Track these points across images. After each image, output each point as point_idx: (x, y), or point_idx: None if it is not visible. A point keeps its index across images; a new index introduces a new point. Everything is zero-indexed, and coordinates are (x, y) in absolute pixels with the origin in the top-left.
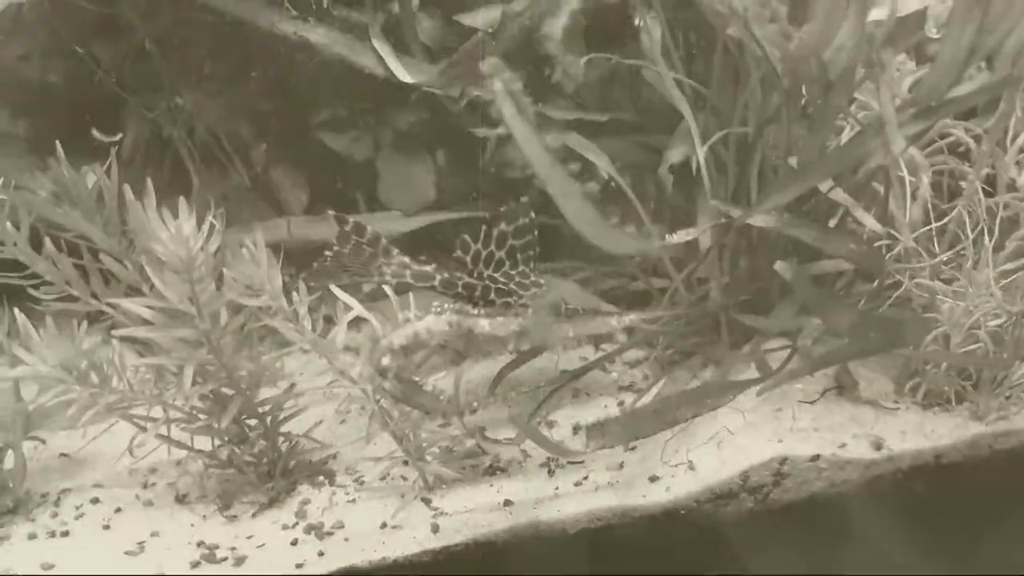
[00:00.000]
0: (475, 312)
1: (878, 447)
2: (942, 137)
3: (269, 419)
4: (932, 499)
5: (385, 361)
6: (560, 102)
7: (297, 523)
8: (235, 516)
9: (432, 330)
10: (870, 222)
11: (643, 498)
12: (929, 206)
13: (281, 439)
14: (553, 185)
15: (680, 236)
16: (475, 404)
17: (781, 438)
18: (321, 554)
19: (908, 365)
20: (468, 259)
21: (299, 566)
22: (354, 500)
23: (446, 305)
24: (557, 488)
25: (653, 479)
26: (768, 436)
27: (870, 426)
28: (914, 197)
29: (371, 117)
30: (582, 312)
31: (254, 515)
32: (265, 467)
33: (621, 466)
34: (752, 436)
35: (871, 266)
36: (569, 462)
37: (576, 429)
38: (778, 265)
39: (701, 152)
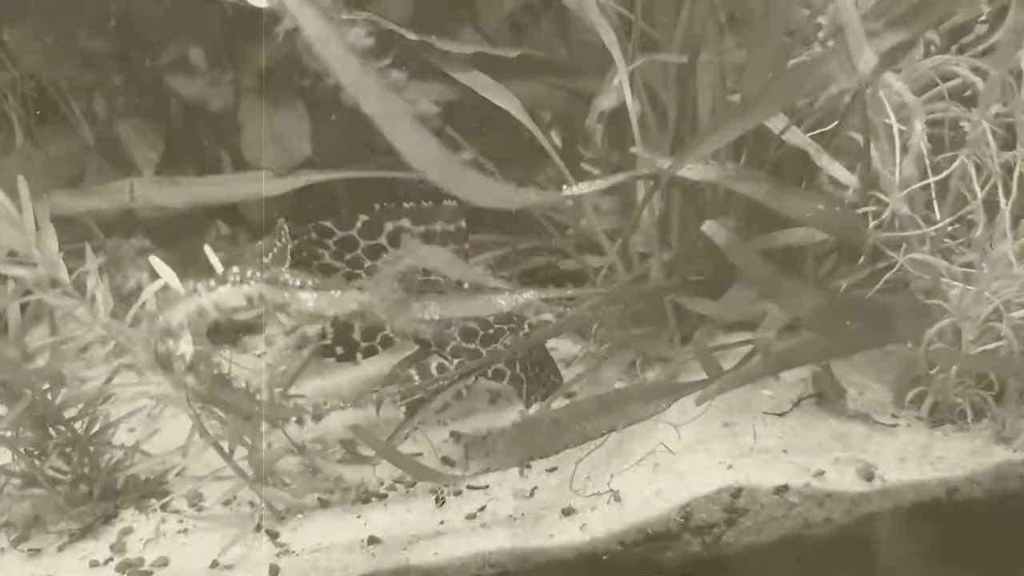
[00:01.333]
0: (295, 282)
1: (869, 477)
2: (944, 80)
3: (83, 425)
4: (941, 548)
5: (182, 349)
6: (465, 35)
7: (111, 559)
8: (38, 550)
9: (223, 305)
10: (840, 172)
11: (550, 538)
12: (926, 162)
13: (105, 452)
14: (369, 101)
15: (580, 188)
16: (310, 409)
17: (734, 462)
18: None
19: (909, 369)
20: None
21: None
22: (186, 530)
23: (249, 271)
24: (442, 522)
25: (567, 512)
26: (719, 458)
27: (859, 448)
28: (905, 150)
29: (227, 55)
30: (461, 288)
31: (61, 548)
32: (83, 486)
33: (532, 493)
34: (698, 457)
35: (846, 233)
36: (469, 487)
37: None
38: (706, 225)
39: (626, 81)
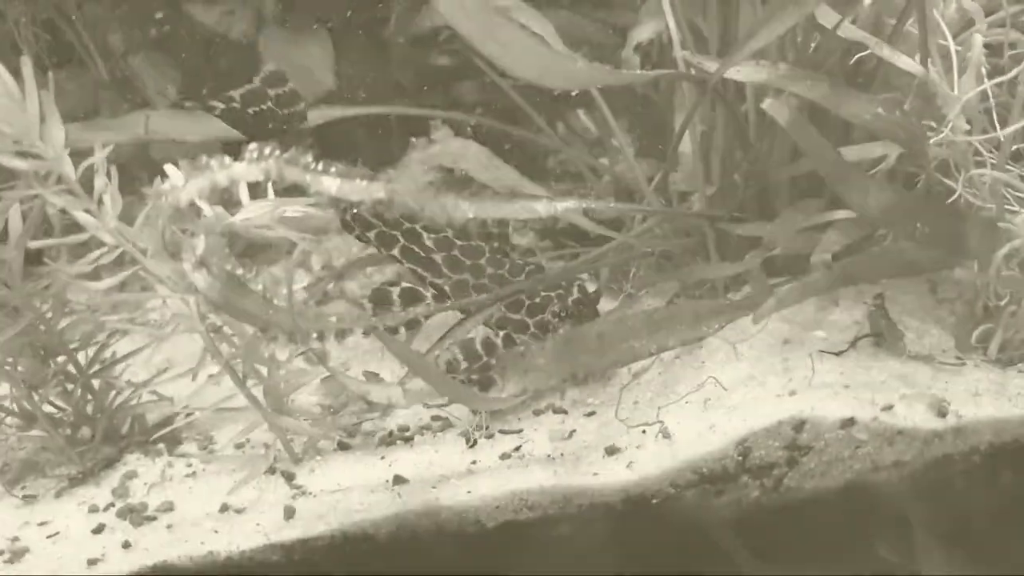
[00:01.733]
0: (316, 166)
1: (942, 413)
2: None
3: (86, 357)
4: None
5: (194, 242)
6: None
7: (112, 504)
8: (34, 496)
9: (238, 178)
10: (905, 62)
11: (595, 476)
12: (985, 78)
13: (110, 389)
14: None
15: (629, 74)
16: (334, 318)
17: (794, 393)
18: (127, 546)
19: (973, 309)
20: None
21: (92, 563)
22: (194, 473)
23: (268, 149)
24: (474, 462)
25: (611, 451)
26: (776, 391)
27: (925, 386)
28: (963, 69)
29: None
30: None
31: (58, 494)
32: (85, 429)
33: (570, 435)
34: (752, 392)
35: (906, 138)
36: (501, 431)
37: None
38: (767, 103)
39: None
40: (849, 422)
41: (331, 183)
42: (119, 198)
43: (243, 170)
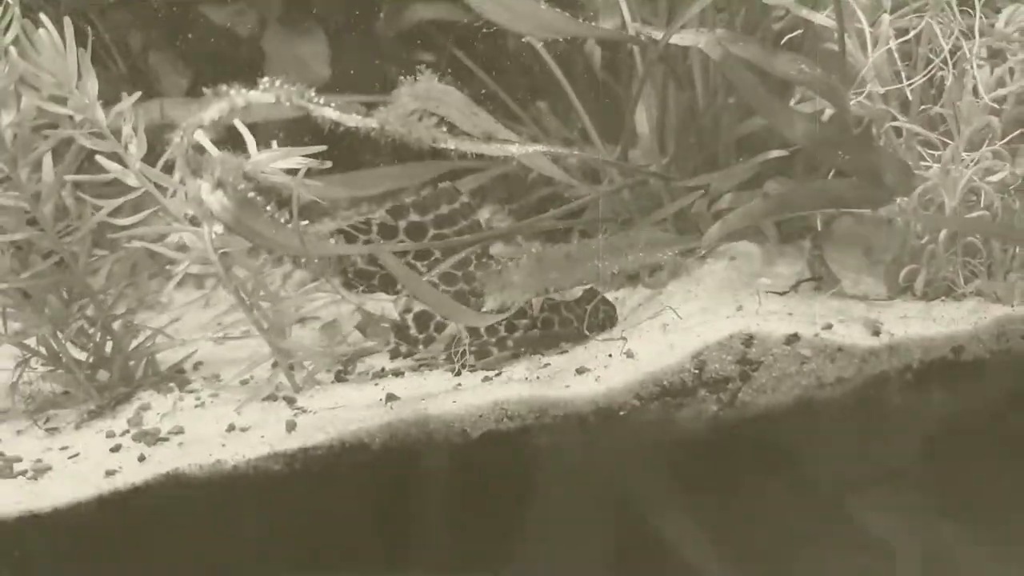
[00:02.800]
0: (319, 100)
1: (876, 331)
2: None
3: (108, 300)
4: (954, 412)
5: (212, 171)
6: None
7: (128, 431)
8: (56, 428)
9: (254, 103)
10: (822, 19)
11: (567, 388)
12: (892, 39)
13: (129, 333)
14: None
15: (586, 26)
16: (333, 241)
17: (743, 317)
18: (142, 459)
19: (900, 254)
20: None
21: (110, 473)
22: (203, 404)
23: (279, 82)
24: (459, 384)
25: (581, 371)
26: (727, 315)
27: (861, 316)
28: (875, 42)
29: None
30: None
31: (78, 425)
32: (103, 371)
33: (546, 366)
34: (706, 318)
35: (828, 92)
36: (484, 369)
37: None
38: (702, 42)
39: None
40: (794, 337)
41: (331, 112)
42: (144, 142)
43: (258, 96)
